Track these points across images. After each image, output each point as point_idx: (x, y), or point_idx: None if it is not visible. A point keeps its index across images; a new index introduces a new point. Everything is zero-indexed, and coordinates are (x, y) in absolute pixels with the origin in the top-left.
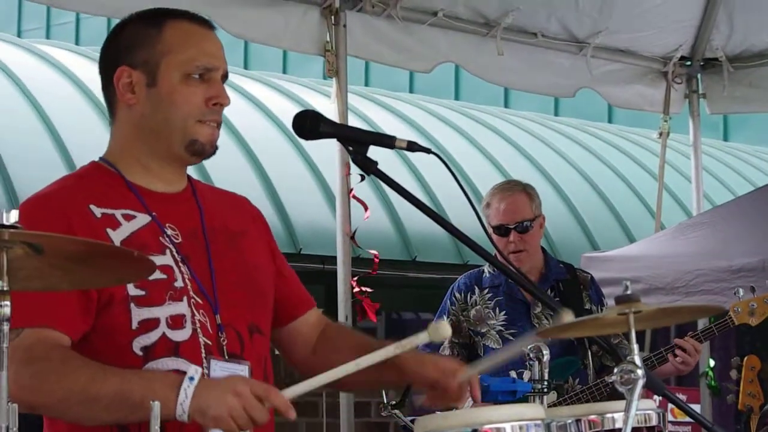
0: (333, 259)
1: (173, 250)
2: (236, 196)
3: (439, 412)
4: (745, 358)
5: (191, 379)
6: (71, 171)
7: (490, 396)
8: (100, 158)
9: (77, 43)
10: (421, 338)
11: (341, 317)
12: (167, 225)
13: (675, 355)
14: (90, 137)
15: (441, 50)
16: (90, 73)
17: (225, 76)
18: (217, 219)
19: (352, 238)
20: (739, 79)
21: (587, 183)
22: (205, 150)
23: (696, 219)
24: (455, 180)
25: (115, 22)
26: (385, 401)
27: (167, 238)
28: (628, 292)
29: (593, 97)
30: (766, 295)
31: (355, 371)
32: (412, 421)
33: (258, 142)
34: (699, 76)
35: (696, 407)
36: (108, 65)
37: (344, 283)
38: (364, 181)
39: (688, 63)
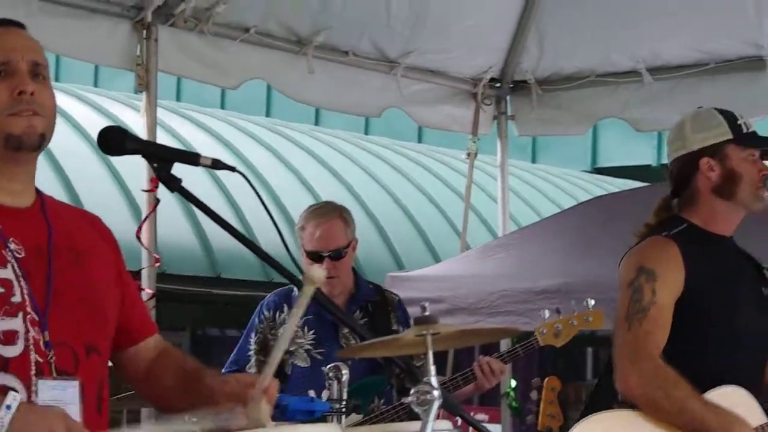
0: (138, 275)
1: (14, 264)
2: (88, 214)
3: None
4: (546, 379)
5: (8, 407)
6: None
7: (288, 415)
8: None
9: None
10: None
11: None
12: (11, 239)
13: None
14: None
15: (250, 67)
16: None
17: (38, 67)
18: (65, 237)
19: (138, 235)
20: (547, 101)
21: (394, 202)
22: (23, 141)
23: (501, 240)
24: (259, 198)
25: None
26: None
27: (10, 252)
28: (427, 313)
29: (404, 115)
30: (571, 317)
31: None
32: None
33: (65, 156)
34: (508, 98)
35: (497, 427)
36: None
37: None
38: (171, 197)
39: (498, 85)
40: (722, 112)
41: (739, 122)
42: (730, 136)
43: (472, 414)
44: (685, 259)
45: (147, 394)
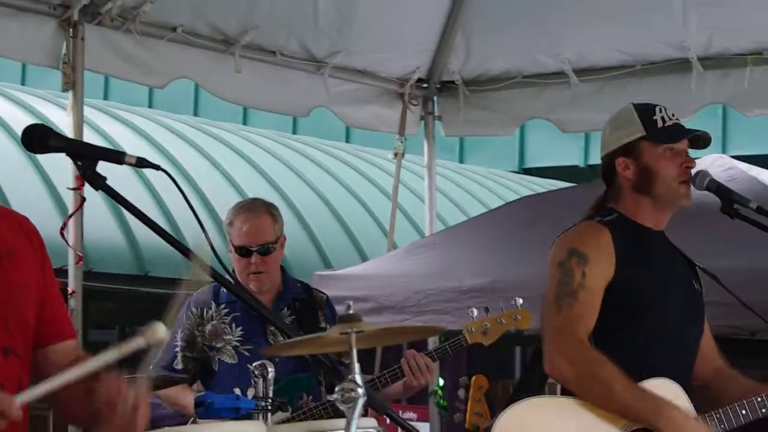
0: (65, 273)
1: None
2: (15, 214)
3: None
4: (473, 378)
5: None
6: None
7: (213, 412)
8: None
9: None
10: (138, 342)
11: None
12: None
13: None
14: None
15: (177, 66)
16: None
17: None
18: None
19: (62, 232)
20: (474, 102)
21: (322, 201)
22: None
23: (428, 239)
24: (183, 196)
25: None
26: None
27: None
28: (351, 311)
29: (332, 115)
30: (499, 315)
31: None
32: None
33: None
34: (435, 98)
35: (425, 426)
36: None
37: (76, 297)
38: (100, 195)
39: (425, 85)
40: (639, 108)
41: (654, 117)
42: (642, 134)
43: (399, 413)
44: (617, 246)
45: (52, 401)
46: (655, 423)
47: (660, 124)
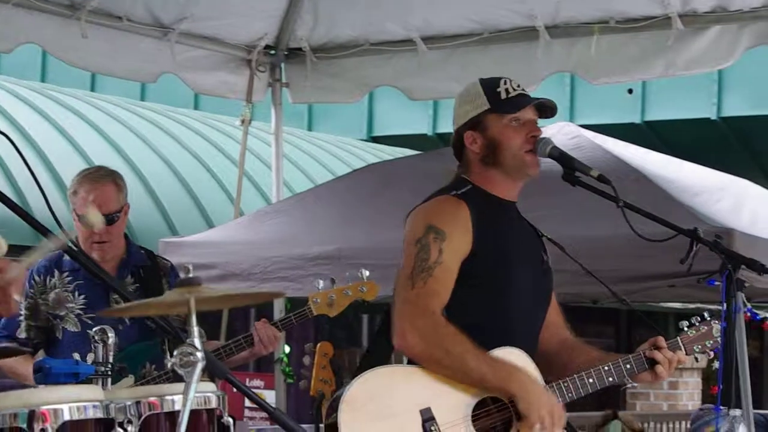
0: None
1: None
2: None
3: None
4: (318, 345)
5: None
6: None
7: (52, 378)
8: None
9: None
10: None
11: None
12: None
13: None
14: None
15: (23, 31)
16: None
17: None
18: None
19: None
20: (322, 69)
21: (169, 169)
22: None
23: (275, 206)
24: (24, 161)
25: None
26: None
27: None
28: (190, 275)
29: (181, 83)
30: (345, 287)
31: None
32: None
33: None
34: (283, 65)
35: (271, 393)
36: None
37: None
38: None
39: (273, 52)
40: (485, 82)
41: (498, 89)
42: (487, 107)
43: (246, 380)
44: (473, 220)
45: None
46: (507, 388)
47: (504, 95)
